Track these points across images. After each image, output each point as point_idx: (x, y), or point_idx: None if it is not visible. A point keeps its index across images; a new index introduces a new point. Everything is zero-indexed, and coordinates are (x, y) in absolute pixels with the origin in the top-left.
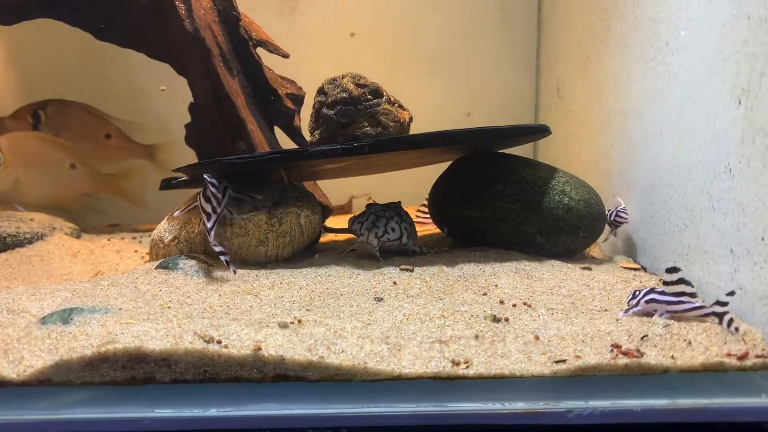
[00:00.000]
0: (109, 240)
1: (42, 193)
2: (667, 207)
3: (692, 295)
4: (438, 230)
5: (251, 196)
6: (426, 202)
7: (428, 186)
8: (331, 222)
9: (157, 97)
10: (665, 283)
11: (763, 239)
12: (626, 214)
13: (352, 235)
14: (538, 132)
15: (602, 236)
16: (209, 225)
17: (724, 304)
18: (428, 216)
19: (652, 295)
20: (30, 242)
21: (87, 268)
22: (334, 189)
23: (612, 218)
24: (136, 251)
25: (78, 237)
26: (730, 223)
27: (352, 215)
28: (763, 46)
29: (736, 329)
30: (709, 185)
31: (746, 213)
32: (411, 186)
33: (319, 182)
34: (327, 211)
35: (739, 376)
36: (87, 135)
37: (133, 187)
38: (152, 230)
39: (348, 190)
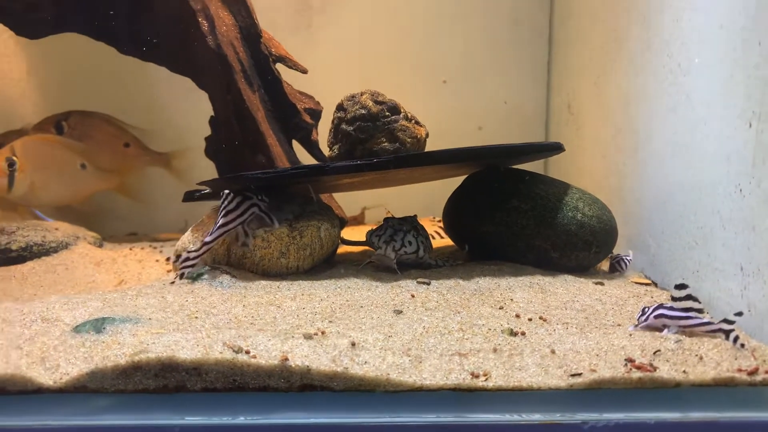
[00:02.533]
0: (131, 249)
1: (53, 195)
2: (678, 224)
3: (699, 311)
4: (452, 243)
5: (271, 218)
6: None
7: (440, 198)
8: (345, 233)
9: (175, 109)
10: (674, 299)
11: None
12: (626, 266)
13: (367, 247)
14: (553, 149)
15: (606, 265)
16: (210, 238)
17: (731, 322)
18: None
19: (661, 311)
20: (55, 251)
21: (110, 277)
22: (347, 200)
23: (613, 262)
24: (157, 260)
25: (101, 246)
26: (741, 242)
27: (370, 228)
28: None
29: (742, 345)
30: (720, 204)
31: (756, 232)
32: (423, 198)
33: (334, 194)
34: (343, 222)
35: (749, 391)
36: (107, 144)
37: (134, 183)
38: (171, 239)
39: (360, 202)
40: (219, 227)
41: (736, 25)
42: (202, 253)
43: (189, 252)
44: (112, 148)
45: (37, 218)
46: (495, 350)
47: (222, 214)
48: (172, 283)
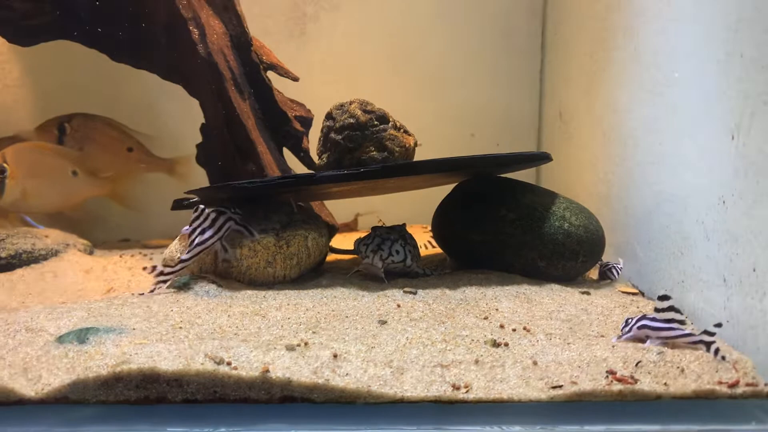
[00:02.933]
0: (120, 257)
1: (44, 202)
2: (664, 234)
3: (682, 322)
4: (441, 251)
5: (250, 231)
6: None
7: (432, 205)
8: (337, 239)
9: (170, 115)
10: (657, 310)
11: (754, 270)
12: (617, 274)
13: (356, 255)
14: (541, 159)
15: (595, 274)
16: (186, 256)
17: (712, 334)
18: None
19: (643, 321)
20: (45, 258)
21: (100, 285)
22: (339, 207)
23: (603, 269)
24: (145, 268)
25: (91, 253)
26: (724, 253)
27: (358, 237)
28: (754, 85)
29: (723, 358)
30: (704, 215)
31: (739, 244)
32: (415, 205)
33: (325, 201)
34: (333, 230)
35: (730, 404)
36: (110, 148)
37: (127, 190)
38: (162, 246)
39: (353, 208)
40: (196, 245)
41: (719, 37)
42: (178, 271)
43: (165, 267)
44: (114, 152)
45: (28, 225)
46: (477, 362)
47: (198, 232)
48: (142, 294)
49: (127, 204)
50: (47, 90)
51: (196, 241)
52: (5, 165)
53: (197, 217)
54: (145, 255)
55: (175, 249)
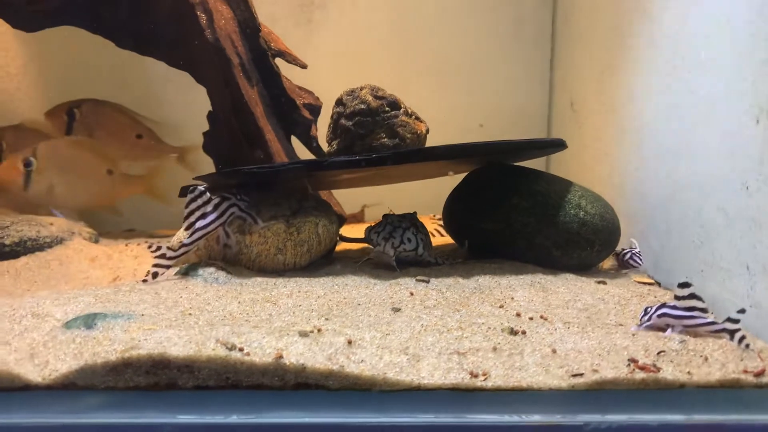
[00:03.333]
0: (126, 245)
1: (76, 198)
2: (682, 223)
3: (703, 310)
4: (452, 241)
5: (254, 218)
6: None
7: (440, 194)
8: (345, 231)
9: (175, 103)
10: (677, 298)
11: None
12: (641, 260)
13: (366, 244)
14: (555, 146)
15: (608, 263)
16: (188, 240)
17: (736, 321)
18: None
19: (664, 310)
20: (50, 246)
21: (105, 273)
22: (347, 198)
23: (625, 258)
24: (150, 246)
25: (96, 242)
26: (747, 241)
27: (369, 225)
28: None
29: (747, 345)
30: (725, 202)
31: (763, 230)
32: (424, 195)
33: (333, 191)
34: (341, 219)
35: (755, 393)
36: (119, 134)
37: (161, 186)
38: (168, 236)
39: (360, 199)
40: (197, 230)
41: (741, 19)
42: (179, 256)
43: (168, 249)
44: (123, 139)
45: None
46: (494, 349)
47: (198, 215)
48: (144, 281)
49: (162, 199)
50: (50, 78)
51: (197, 225)
52: (32, 159)
53: (194, 199)
54: (155, 243)
55: (183, 236)
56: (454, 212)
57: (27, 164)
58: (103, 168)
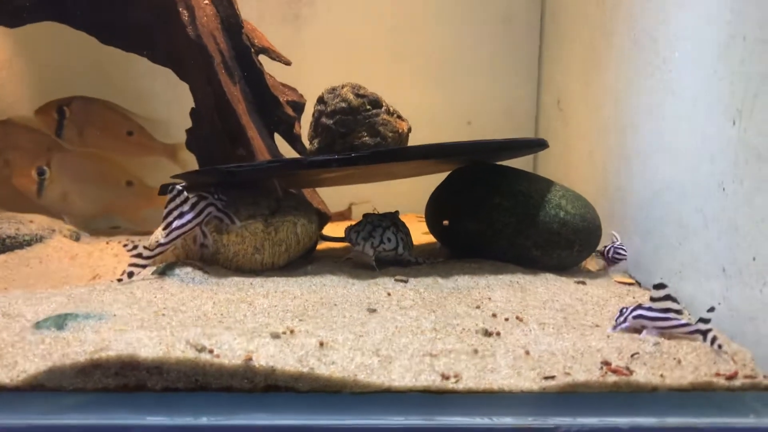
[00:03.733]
0: (107, 243)
1: (91, 207)
2: (663, 223)
3: (678, 311)
4: (434, 240)
5: (231, 218)
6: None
7: (428, 193)
8: (330, 229)
9: (161, 99)
10: (652, 299)
11: (754, 260)
12: (625, 251)
13: (347, 243)
14: (536, 146)
15: (594, 266)
16: (165, 240)
17: (707, 321)
18: None
19: (639, 311)
20: (29, 244)
21: (85, 272)
22: (333, 196)
23: (610, 255)
24: (126, 245)
25: (77, 240)
26: (723, 243)
27: (350, 224)
28: (757, 67)
29: (720, 346)
30: (703, 204)
31: (739, 233)
32: (411, 193)
33: (318, 189)
34: (325, 218)
35: (727, 396)
36: (109, 131)
37: None
38: (150, 233)
39: (347, 197)
40: (174, 229)
41: (721, 19)
42: (155, 255)
43: (145, 249)
44: (114, 136)
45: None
46: (467, 351)
47: (176, 215)
48: (120, 280)
49: None
50: (35, 73)
51: (174, 225)
52: (45, 168)
53: (173, 198)
54: (132, 242)
55: (160, 235)
56: (436, 211)
57: (40, 173)
58: (122, 179)
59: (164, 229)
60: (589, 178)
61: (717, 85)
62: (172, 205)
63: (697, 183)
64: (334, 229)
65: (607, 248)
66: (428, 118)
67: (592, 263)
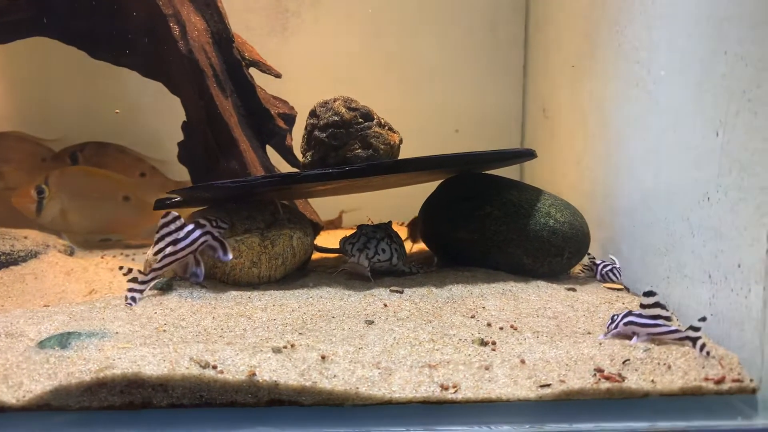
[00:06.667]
0: (102, 257)
1: (90, 224)
2: (650, 230)
3: (667, 318)
4: (426, 248)
5: (225, 248)
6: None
7: (419, 202)
8: (322, 237)
9: (149, 114)
10: (642, 306)
11: (739, 266)
12: (620, 274)
13: (342, 254)
14: (526, 156)
15: (578, 269)
16: (158, 265)
17: (697, 329)
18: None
19: (630, 318)
20: (24, 260)
21: (81, 287)
22: (324, 204)
23: (603, 271)
24: (121, 268)
25: (71, 254)
26: (709, 250)
27: (344, 235)
28: (738, 82)
29: (708, 353)
30: (689, 212)
31: (724, 240)
32: (402, 202)
33: (309, 199)
34: (317, 228)
35: (716, 400)
36: (123, 174)
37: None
38: (144, 246)
39: (338, 206)
40: (167, 255)
41: (704, 34)
42: (150, 280)
43: (139, 274)
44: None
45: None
46: (464, 361)
47: (170, 241)
48: (128, 304)
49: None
50: (22, 84)
51: (168, 251)
52: (44, 186)
53: (167, 223)
54: (127, 255)
55: (152, 260)
56: (428, 220)
57: (39, 192)
58: (118, 195)
59: (156, 254)
60: (577, 185)
61: (701, 97)
62: (165, 231)
63: (683, 191)
64: (326, 238)
65: (604, 264)
66: (416, 127)
67: (579, 268)
